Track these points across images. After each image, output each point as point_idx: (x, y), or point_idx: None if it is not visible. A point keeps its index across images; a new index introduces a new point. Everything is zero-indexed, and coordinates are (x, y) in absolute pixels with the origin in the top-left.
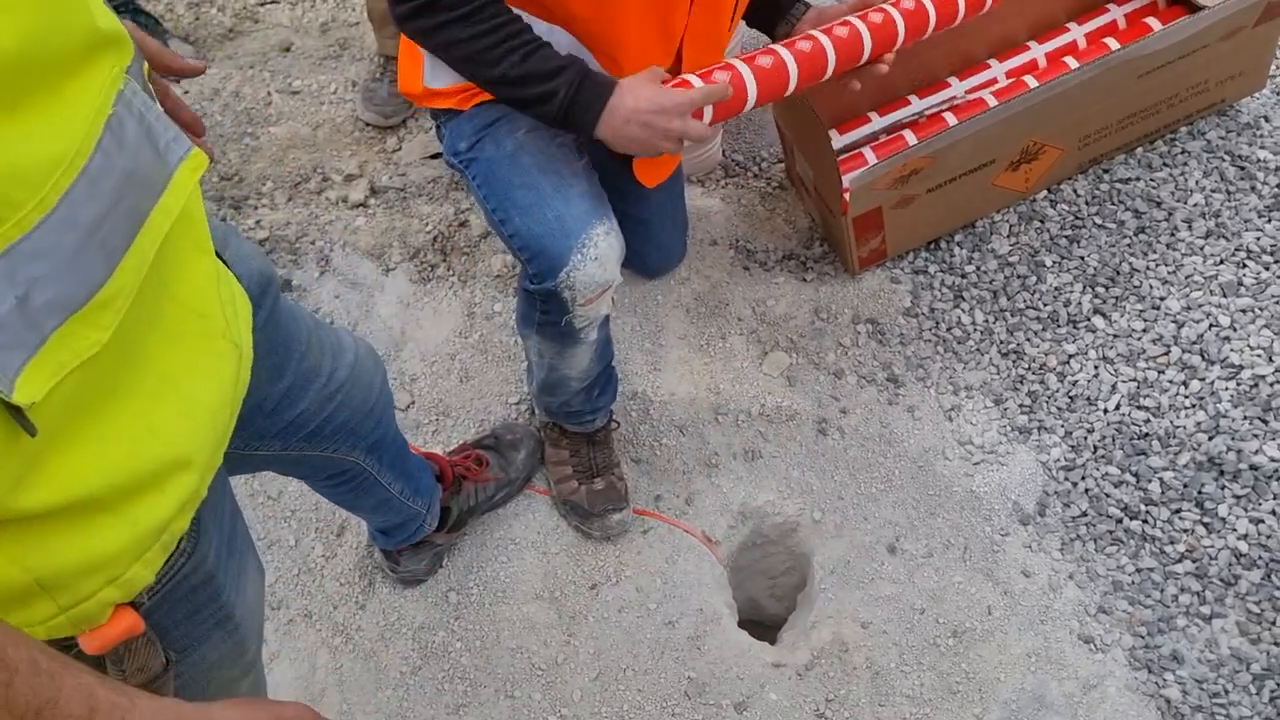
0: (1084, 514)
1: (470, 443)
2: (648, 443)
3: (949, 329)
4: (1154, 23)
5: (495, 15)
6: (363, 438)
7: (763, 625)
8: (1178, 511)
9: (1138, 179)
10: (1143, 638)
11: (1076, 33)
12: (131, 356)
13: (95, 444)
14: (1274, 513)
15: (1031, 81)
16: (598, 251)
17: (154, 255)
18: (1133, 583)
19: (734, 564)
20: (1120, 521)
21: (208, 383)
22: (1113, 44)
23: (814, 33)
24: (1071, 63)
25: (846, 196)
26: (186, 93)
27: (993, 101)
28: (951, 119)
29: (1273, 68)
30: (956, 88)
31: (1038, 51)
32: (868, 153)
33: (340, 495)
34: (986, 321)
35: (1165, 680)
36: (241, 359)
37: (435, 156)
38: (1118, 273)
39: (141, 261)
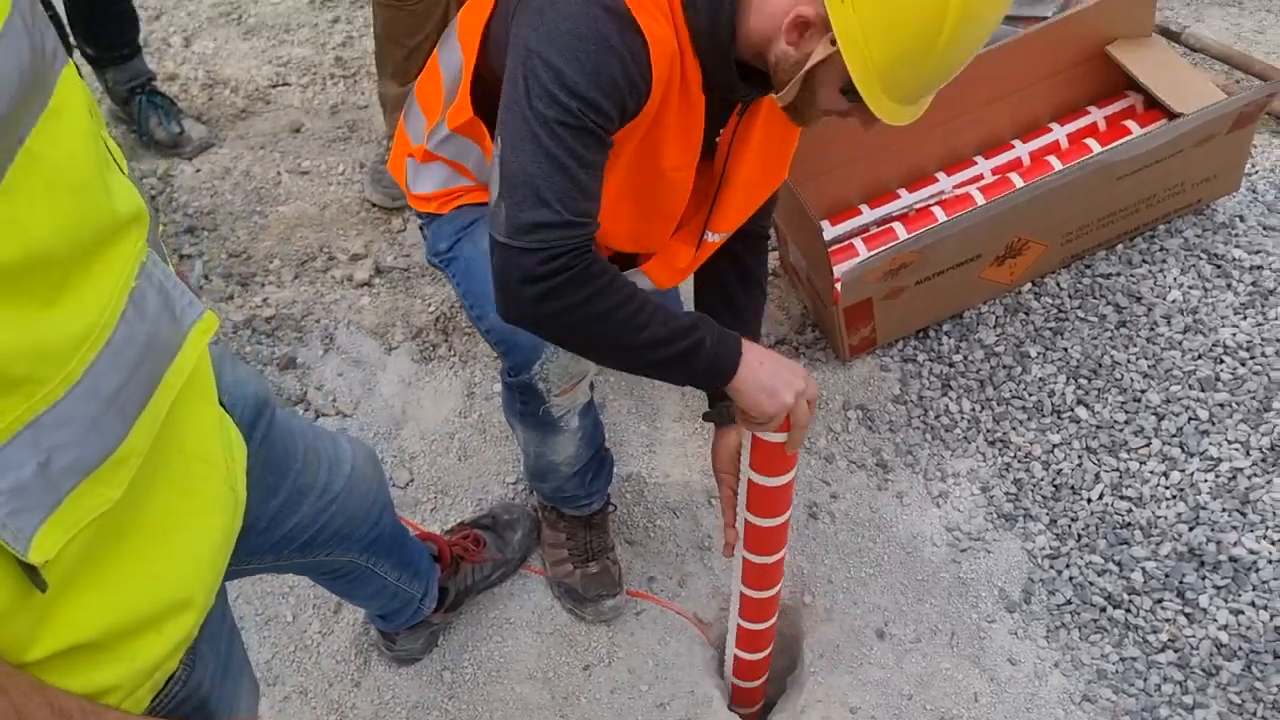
0: (1069, 602)
1: (468, 522)
2: (642, 524)
3: (937, 416)
4: (1133, 125)
5: (624, 282)
6: (358, 541)
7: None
8: (1160, 601)
9: (1118, 274)
10: None
11: (1059, 133)
12: (138, 505)
13: (100, 591)
14: (1253, 604)
15: (1016, 179)
16: None
17: (166, 413)
18: (1116, 671)
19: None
20: (1104, 610)
21: (209, 527)
22: (1093, 145)
23: None
24: (1054, 162)
25: (838, 288)
26: (199, 171)
27: (980, 198)
28: (940, 214)
29: (1248, 167)
30: (944, 183)
31: (1022, 150)
32: (858, 244)
33: (338, 587)
34: (973, 410)
35: None
36: (238, 503)
37: (418, 218)
38: (1100, 365)
39: (155, 420)
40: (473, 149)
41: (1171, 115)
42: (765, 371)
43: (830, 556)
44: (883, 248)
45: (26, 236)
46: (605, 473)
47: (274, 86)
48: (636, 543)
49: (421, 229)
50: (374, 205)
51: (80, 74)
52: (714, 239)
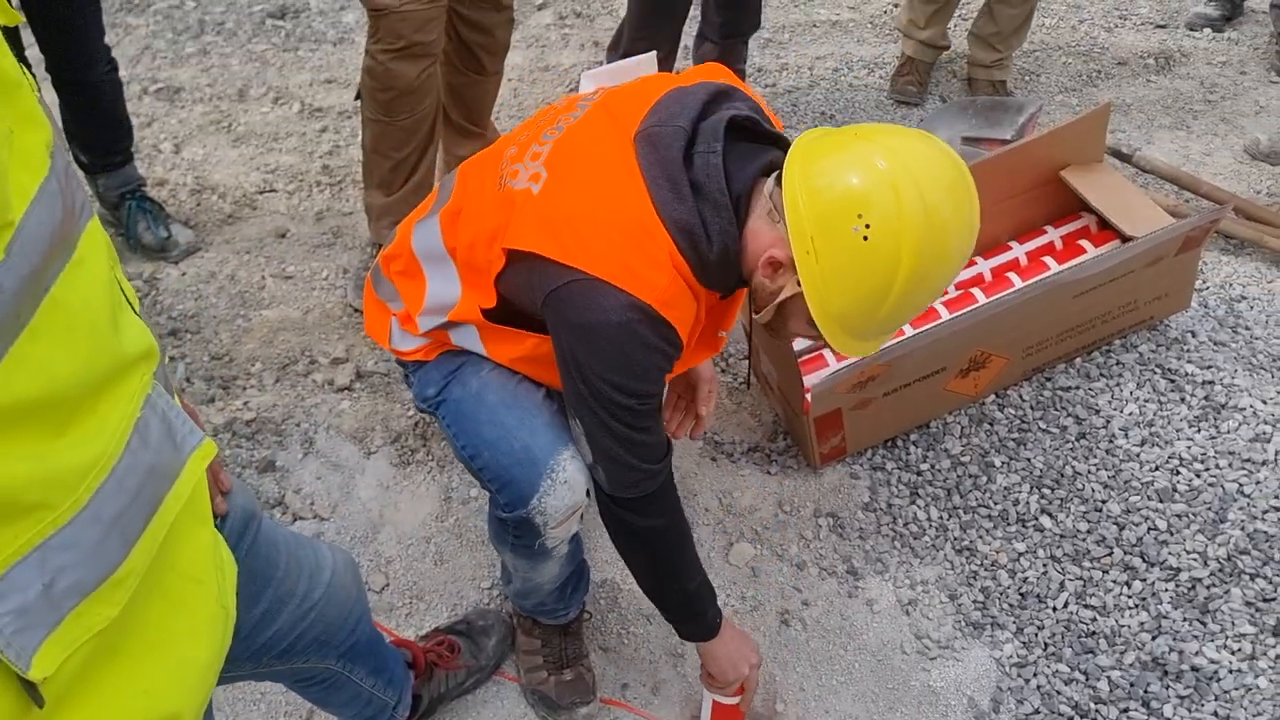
0: (1036, 711)
1: (443, 628)
2: (615, 631)
3: (906, 524)
4: (1087, 245)
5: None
6: (335, 647)
7: None
8: (1125, 711)
9: (1077, 387)
10: None
11: (1018, 251)
12: (132, 623)
13: (93, 707)
14: (1215, 714)
15: (979, 294)
16: (566, 476)
17: (164, 535)
18: None
19: None
20: (1071, 719)
21: (200, 644)
22: (1051, 263)
23: None
24: (1014, 279)
25: (809, 398)
26: (184, 275)
27: (944, 312)
28: (906, 327)
29: (1199, 284)
30: None
31: (984, 266)
32: (828, 355)
33: (311, 694)
34: (941, 518)
35: None
36: (228, 619)
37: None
38: (1062, 475)
39: (154, 542)
40: (466, 331)
41: (1124, 237)
42: (733, 645)
43: (801, 664)
44: (851, 361)
45: (48, 376)
46: (584, 584)
47: (261, 193)
48: (610, 649)
49: (406, 378)
50: (356, 310)
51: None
52: (723, 335)
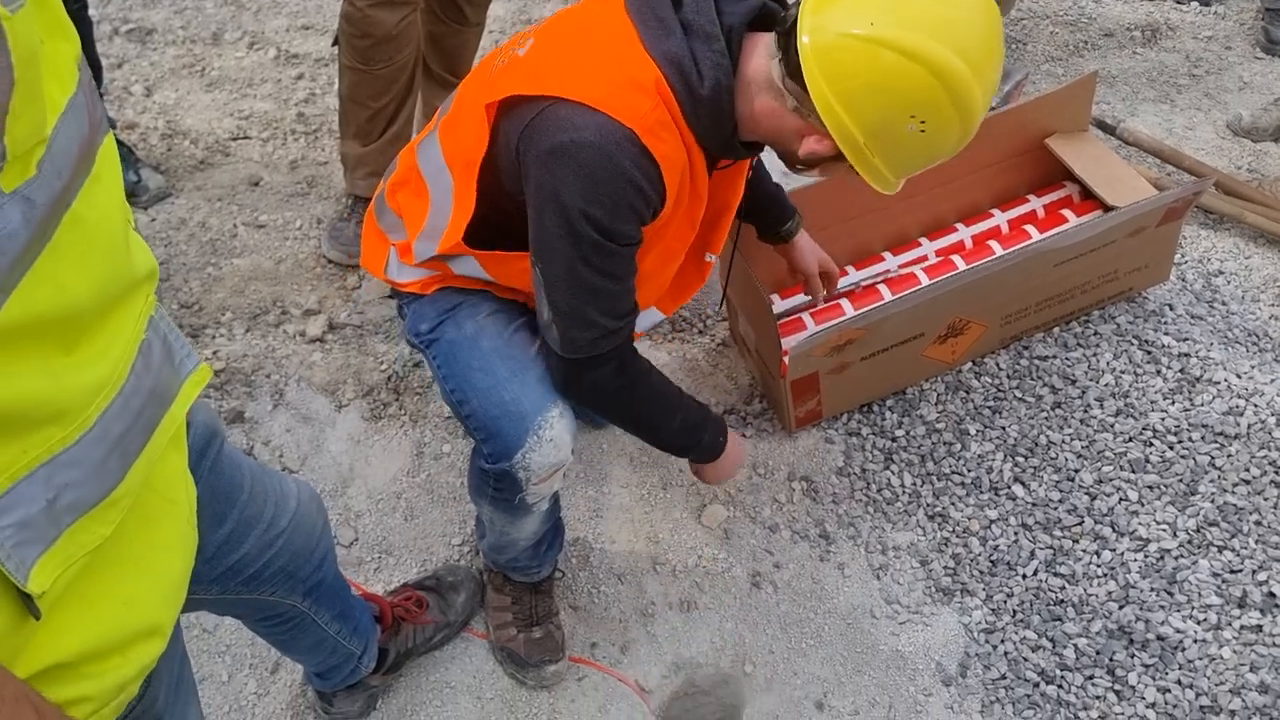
0: (1003, 676)
1: (411, 583)
2: (586, 590)
3: (879, 490)
4: (1069, 214)
5: (658, 376)
6: (301, 581)
7: None
8: (1091, 678)
9: (1054, 357)
10: None
11: (1000, 219)
12: (114, 538)
13: (79, 618)
14: (1179, 682)
15: (959, 261)
16: (553, 434)
17: (157, 457)
18: None
19: (665, 713)
20: (1037, 685)
21: (174, 559)
22: (1032, 231)
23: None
24: (995, 246)
25: (786, 360)
26: (154, 221)
27: (924, 278)
28: (885, 292)
29: (1177, 258)
30: (890, 262)
31: (965, 234)
32: (806, 318)
33: (276, 636)
34: (914, 484)
35: None
36: (194, 538)
37: (394, 297)
38: (1036, 444)
39: (149, 464)
40: (466, 261)
41: (1105, 207)
42: (730, 462)
43: (771, 626)
44: (830, 323)
45: (66, 293)
46: (558, 542)
47: (234, 139)
48: (580, 608)
49: (400, 309)
50: (330, 261)
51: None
52: (712, 259)
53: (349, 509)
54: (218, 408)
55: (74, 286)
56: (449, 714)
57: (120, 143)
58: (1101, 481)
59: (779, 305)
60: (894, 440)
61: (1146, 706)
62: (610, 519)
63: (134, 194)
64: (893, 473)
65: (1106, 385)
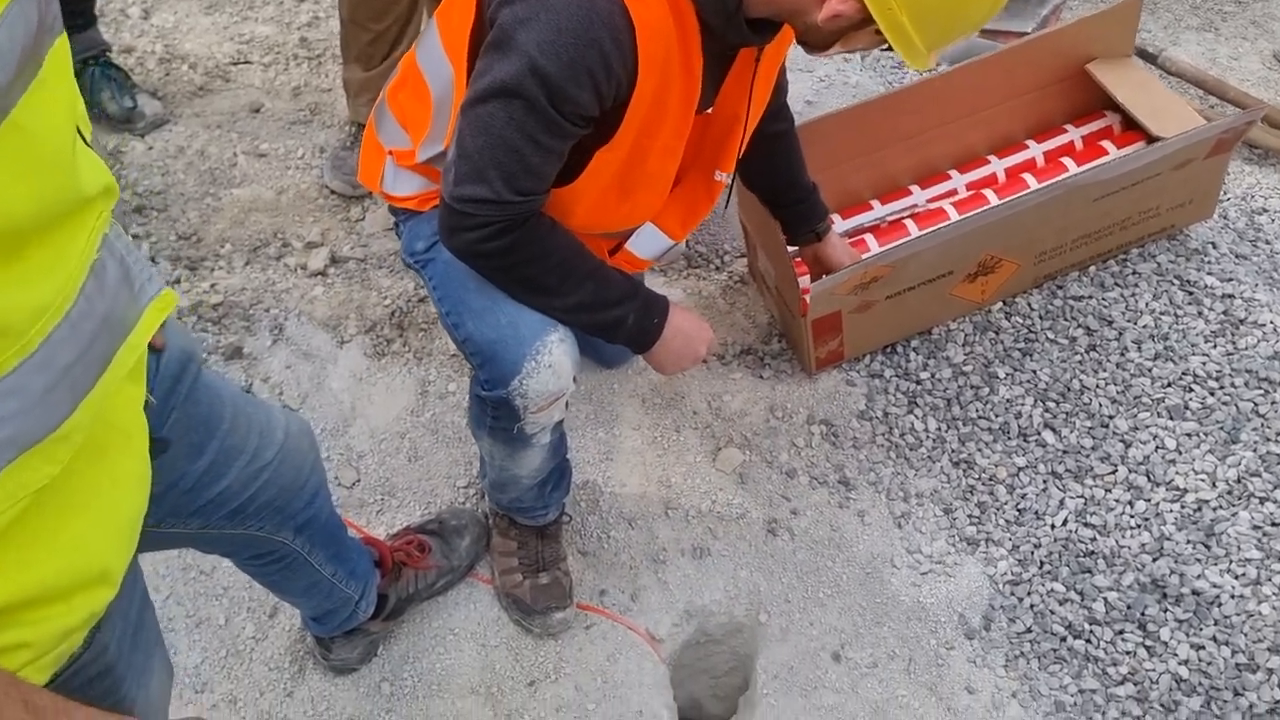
0: (1029, 630)
1: (413, 527)
2: (595, 534)
3: (902, 435)
4: (1109, 146)
5: (557, 249)
6: (291, 517)
7: None
8: (1121, 633)
9: (1090, 297)
10: None
11: (1035, 150)
12: (62, 476)
13: (19, 559)
14: (1215, 639)
15: (991, 196)
16: (551, 359)
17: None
18: (1075, 704)
19: (676, 661)
20: (1064, 640)
21: (126, 498)
22: (1070, 164)
23: None
24: (1030, 180)
25: (807, 299)
26: (151, 148)
27: (953, 213)
28: (912, 227)
29: (1220, 194)
30: (918, 196)
31: (998, 166)
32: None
33: (267, 576)
34: (939, 429)
35: None
36: (148, 478)
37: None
38: (1068, 389)
39: (103, 398)
40: None
41: (1149, 138)
42: (678, 345)
43: (788, 575)
44: (854, 262)
45: (3, 208)
46: (564, 483)
47: (235, 64)
48: (589, 554)
49: (396, 226)
50: (333, 192)
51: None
52: (724, 178)
53: (351, 449)
54: (215, 343)
55: (13, 201)
56: (452, 662)
57: (116, 67)
58: (1137, 428)
59: None
60: (918, 383)
61: (1179, 663)
62: (621, 462)
63: (130, 120)
64: (916, 417)
65: (1145, 327)
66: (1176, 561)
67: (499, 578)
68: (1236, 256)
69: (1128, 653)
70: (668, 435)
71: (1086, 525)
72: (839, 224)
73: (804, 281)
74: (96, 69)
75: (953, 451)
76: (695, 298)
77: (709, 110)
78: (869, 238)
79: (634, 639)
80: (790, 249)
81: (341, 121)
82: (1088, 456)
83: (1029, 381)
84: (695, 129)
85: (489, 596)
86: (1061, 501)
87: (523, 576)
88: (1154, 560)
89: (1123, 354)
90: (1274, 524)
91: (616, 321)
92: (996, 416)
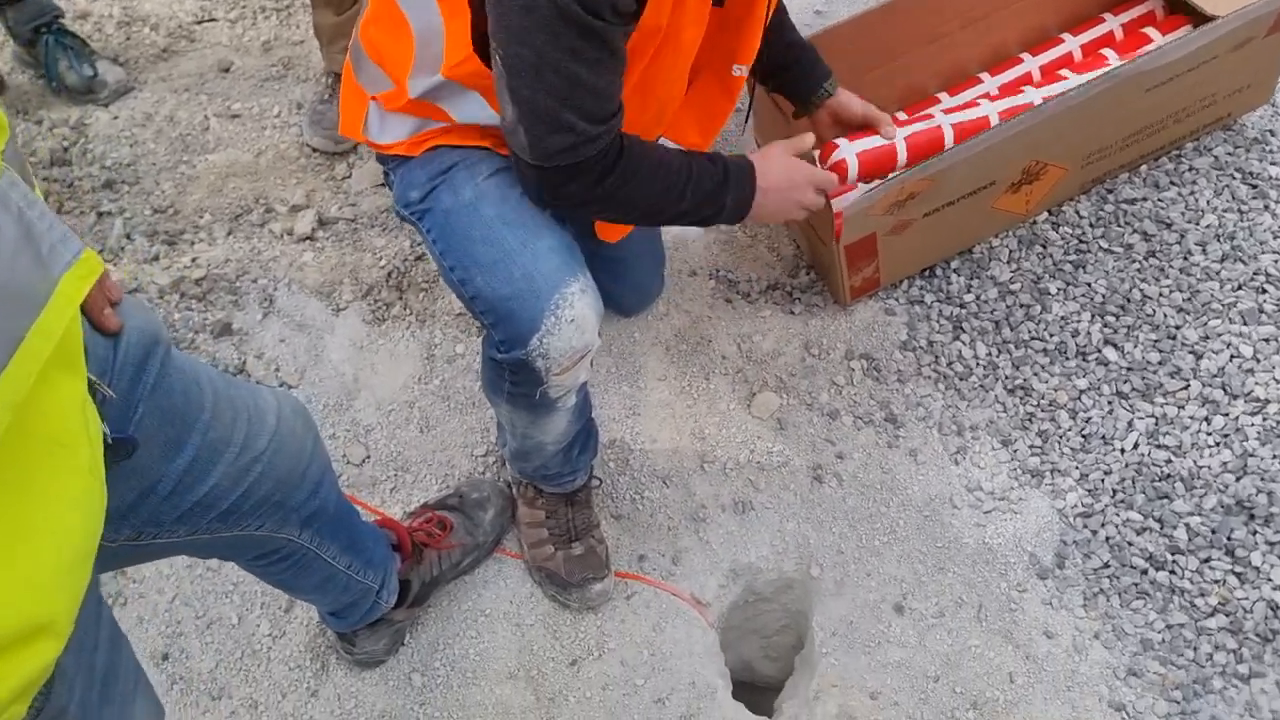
0: (1106, 565)
1: (431, 504)
2: (628, 496)
3: (949, 364)
4: (1153, 33)
5: (652, 159)
6: (293, 511)
7: (755, 688)
8: (1207, 561)
9: (1144, 199)
10: (1178, 702)
11: (1071, 44)
12: None
13: None
14: None
15: (1032, 94)
16: (574, 313)
17: (30, 384)
18: (1163, 641)
19: (724, 623)
20: (1145, 573)
21: (69, 526)
22: (1110, 56)
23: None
24: (1068, 75)
25: (839, 222)
26: (116, 118)
27: (994, 117)
28: (948, 134)
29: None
30: (949, 103)
31: (1031, 64)
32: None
33: (275, 575)
34: (989, 355)
35: None
36: (102, 494)
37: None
38: (1128, 300)
39: (14, 392)
40: (468, 100)
41: (1198, 19)
42: (773, 209)
43: (839, 524)
44: (891, 176)
45: None
46: (591, 445)
47: (199, 23)
48: (623, 517)
49: (386, 177)
50: (314, 150)
51: None
52: (741, 72)
53: (357, 423)
54: (201, 320)
55: None
56: (486, 645)
57: (72, 34)
58: (1208, 338)
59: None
60: (963, 307)
61: (1274, 589)
62: (649, 416)
63: (91, 90)
64: (964, 343)
65: (1208, 227)
66: (1263, 479)
67: (529, 551)
68: None
69: (1216, 581)
70: (697, 384)
71: (1160, 447)
72: (864, 142)
73: (837, 204)
74: (50, 37)
75: (1006, 378)
76: (713, 232)
77: (723, 4)
78: (900, 145)
79: (679, 605)
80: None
81: (317, 74)
82: (1155, 372)
83: (1084, 296)
84: (711, 24)
85: (520, 572)
86: (1130, 423)
87: (554, 548)
88: (1237, 480)
89: (1186, 258)
90: None
91: (717, 211)
92: (1051, 336)
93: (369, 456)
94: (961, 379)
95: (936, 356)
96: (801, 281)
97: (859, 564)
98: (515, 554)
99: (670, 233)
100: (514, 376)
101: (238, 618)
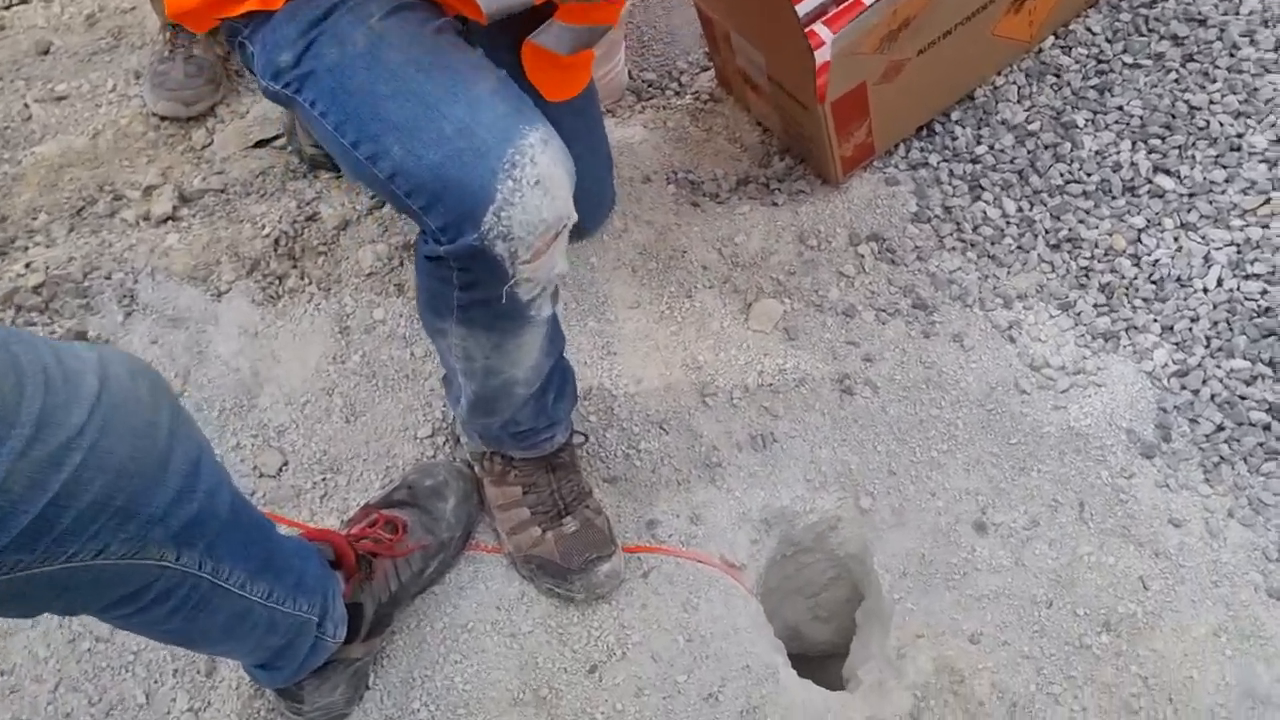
0: (1220, 428)
1: (374, 503)
2: (620, 453)
3: (975, 228)
4: None
5: None
6: (155, 522)
7: (807, 659)
8: None
9: None
10: None
11: None
12: None
13: None
14: None
15: None
16: (538, 172)
17: None
18: None
19: (766, 587)
20: (1269, 428)
21: None
22: None
23: None
24: None
25: (823, 78)
26: None
27: None
28: None
29: None
30: None
31: None
32: (820, 29)
33: (162, 627)
34: (1020, 210)
35: None
36: None
37: (262, 144)
38: (1173, 116)
39: None
40: None
41: None
42: None
43: (884, 440)
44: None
45: None
46: (569, 390)
47: (7, 8)
48: (620, 479)
49: (242, 49)
50: (163, 119)
51: None
52: None
53: (265, 425)
54: (47, 335)
55: None
56: (476, 668)
57: None
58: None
59: None
60: (976, 161)
61: None
62: (628, 353)
63: None
64: (987, 203)
65: (1253, 14)
66: None
67: (509, 540)
68: None
69: None
70: (679, 304)
71: (1250, 277)
72: None
73: (820, 55)
74: None
75: (1047, 232)
76: (661, 133)
77: None
78: None
79: (709, 573)
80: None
81: (153, 34)
82: (1224, 192)
83: (1119, 123)
84: None
85: (503, 569)
86: (1207, 257)
87: (542, 529)
88: None
89: (1232, 54)
90: None
91: None
92: (1089, 176)
93: (286, 463)
94: (994, 244)
95: (958, 224)
96: (777, 170)
97: (918, 483)
98: (492, 548)
99: (609, 138)
100: (465, 277)
101: (145, 695)
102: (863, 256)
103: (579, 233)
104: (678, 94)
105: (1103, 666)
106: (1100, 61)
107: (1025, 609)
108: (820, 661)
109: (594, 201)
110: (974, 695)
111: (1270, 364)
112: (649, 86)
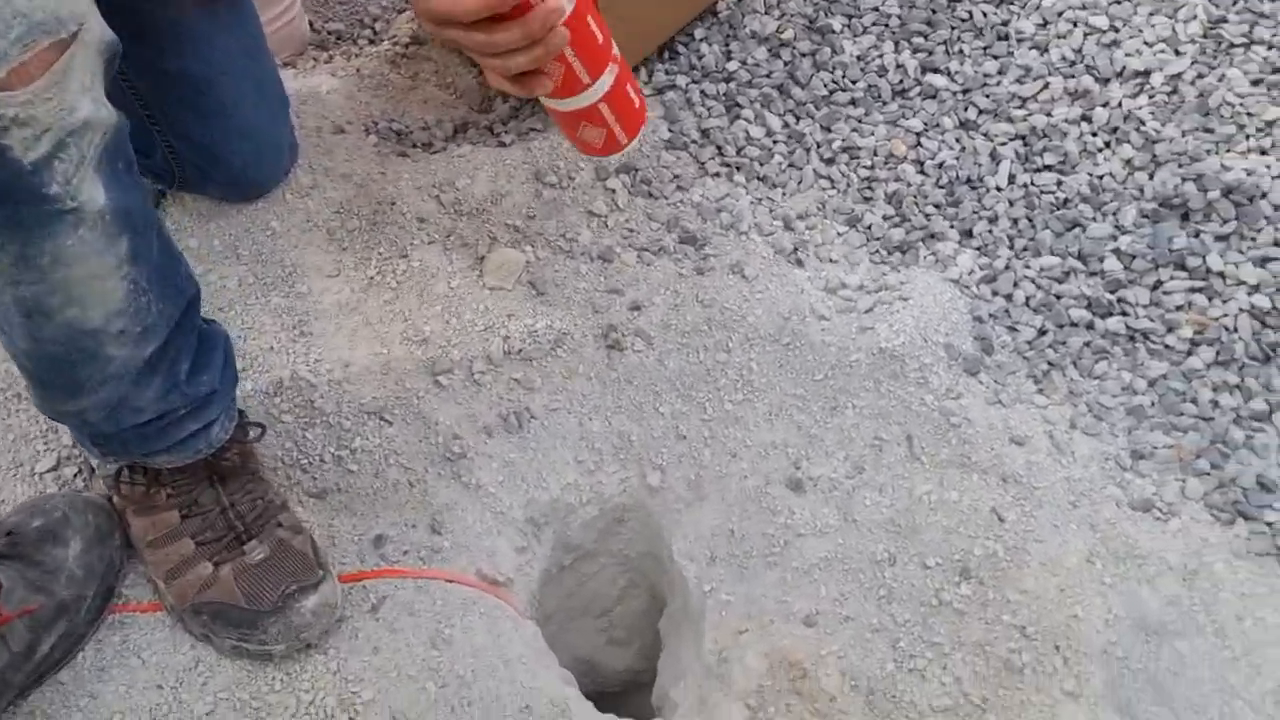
0: (1042, 332)
1: None
2: (329, 456)
3: (739, 150)
4: None
5: None
6: None
7: (608, 696)
8: (1158, 286)
9: None
10: (1208, 472)
11: None
12: None
13: None
14: (1278, 243)
15: None
16: None
17: None
18: (1153, 403)
19: (542, 608)
20: (1092, 326)
21: None
22: None
23: None
24: None
25: None
26: None
27: None
28: None
29: None
30: None
31: None
32: None
33: None
34: (786, 125)
35: (1273, 521)
36: None
37: None
38: (934, 10)
39: None
40: None
41: None
42: None
43: (666, 399)
44: None
45: None
46: (219, 356)
47: None
48: (329, 490)
49: None
50: None
51: None
52: None
53: None
54: None
55: None
56: None
57: None
58: (1048, 22)
59: None
60: (729, 79)
61: (1249, 293)
62: (329, 332)
63: None
64: (747, 121)
65: None
66: (1180, 164)
67: (169, 588)
68: None
69: (1179, 308)
70: (391, 265)
71: (1042, 170)
72: None
73: None
74: None
75: (819, 145)
76: (357, 83)
77: None
78: None
79: (464, 595)
80: None
81: None
82: (999, 84)
83: (877, 23)
84: None
85: (164, 631)
86: (993, 153)
87: (214, 564)
88: (1150, 176)
89: None
90: (1276, 70)
91: None
92: (855, 82)
93: None
94: (762, 164)
95: (719, 147)
96: (501, 113)
97: (714, 445)
98: (147, 605)
99: (290, 88)
100: None
101: None
102: (614, 191)
103: (251, 190)
104: (371, 41)
105: (970, 623)
106: None
107: (865, 572)
108: (623, 697)
109: (258, 139)
110: (821, 689)
111: (1080, 257)
112: (334, 39)
